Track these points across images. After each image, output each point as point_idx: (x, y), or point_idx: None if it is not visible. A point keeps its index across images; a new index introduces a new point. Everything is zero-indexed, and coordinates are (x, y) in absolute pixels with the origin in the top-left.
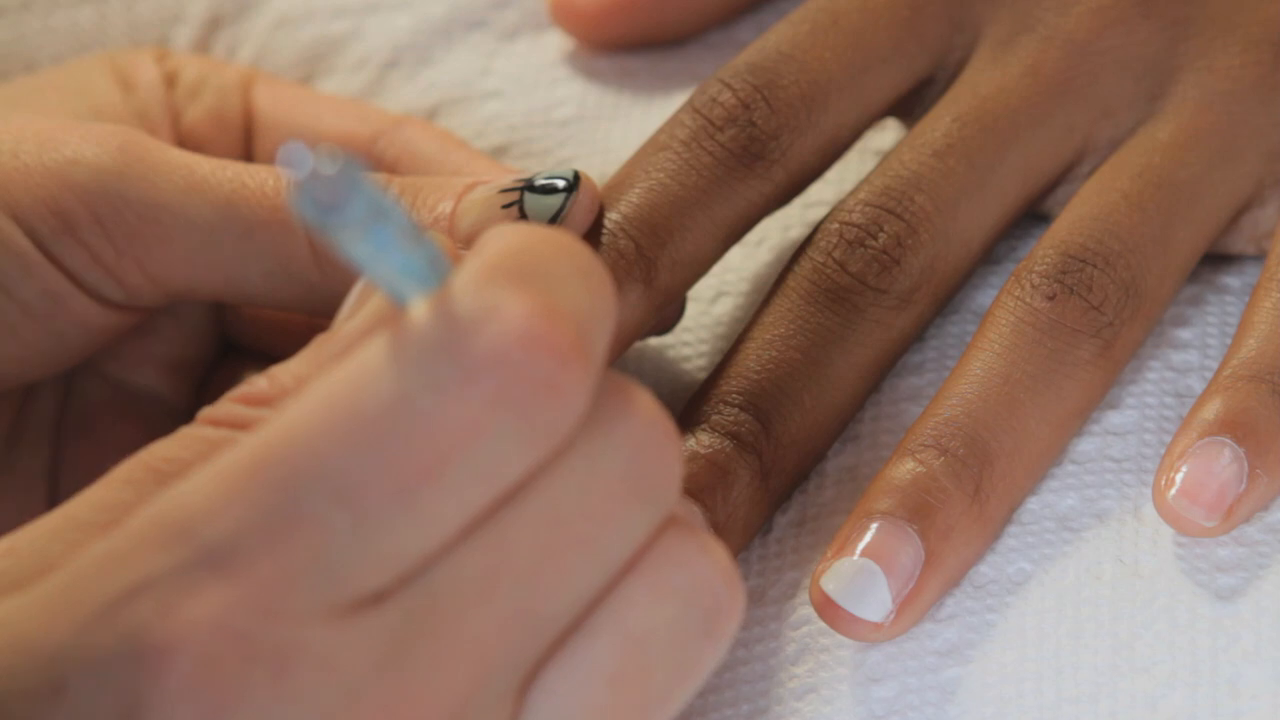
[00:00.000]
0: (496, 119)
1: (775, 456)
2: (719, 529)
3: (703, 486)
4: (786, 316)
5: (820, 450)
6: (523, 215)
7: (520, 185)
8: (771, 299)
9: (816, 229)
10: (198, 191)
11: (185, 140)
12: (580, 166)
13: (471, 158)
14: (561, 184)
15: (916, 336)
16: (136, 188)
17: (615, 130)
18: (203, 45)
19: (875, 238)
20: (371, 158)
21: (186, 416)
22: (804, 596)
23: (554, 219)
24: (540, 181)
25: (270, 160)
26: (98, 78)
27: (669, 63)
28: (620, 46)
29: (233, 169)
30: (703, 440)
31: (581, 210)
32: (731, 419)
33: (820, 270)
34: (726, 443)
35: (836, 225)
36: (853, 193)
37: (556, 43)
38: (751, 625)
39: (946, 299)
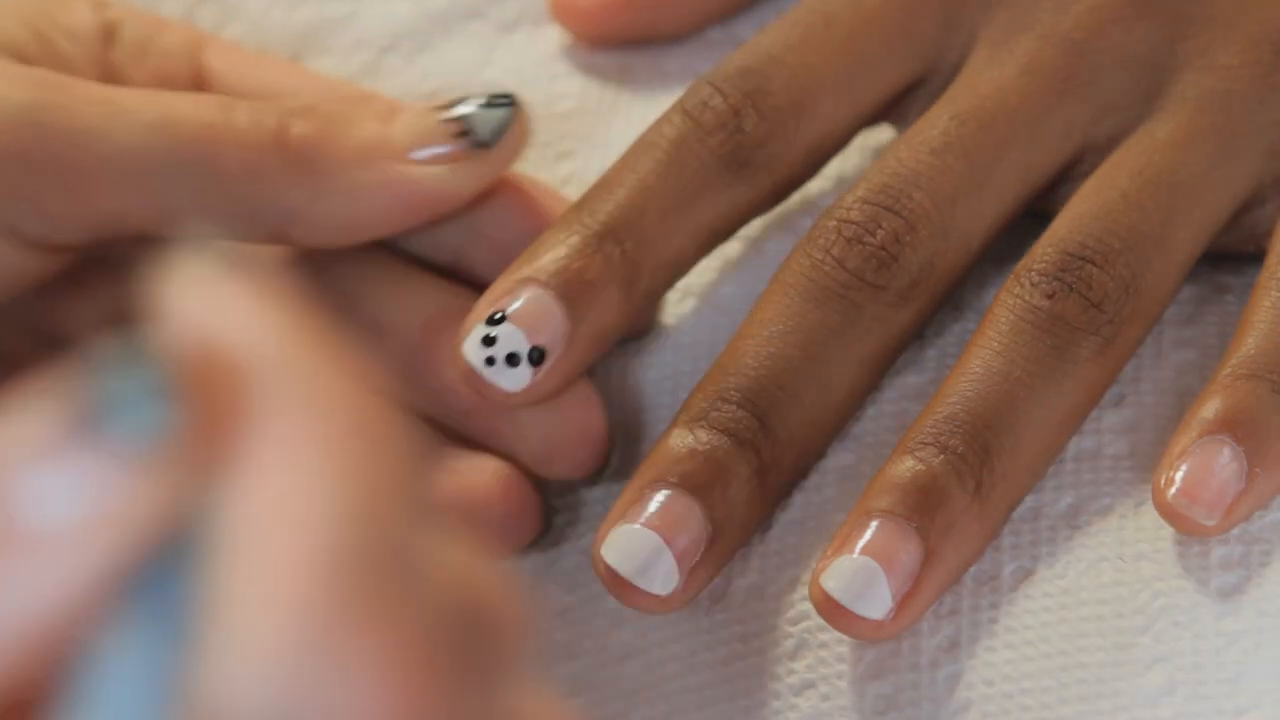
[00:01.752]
0: None
1: (773, 454)
2: (717, 527)
3: (700, 484)
4: (784, 313)
5: (819, 448)
6: (476, 136)
7: (457, 103)
8: (767, 295)
9: (813, 226)
10: (122, 116)
11: None
12: (580, 160)
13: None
14: (503, 99)
15: (916, 334)
16: (57, 116)
17: (615, 125)
18: (189, 17)
19: (873, 234)
20: None
21: None
22: (803, 593)
23: (499, 131)
24: (480, 98)
25: None
26: (15, 28)
27: (669, 60)
28: (620, 43)
29: (159, 95)
30: (700, 438)
31: (521, 128)
32: (730, 416)
33: (818, 267)
34: (724, 440)
35: (834, 222)
36: (850, 190)
37: (555, 37)
38: (750, 621)
39: (946, 296)
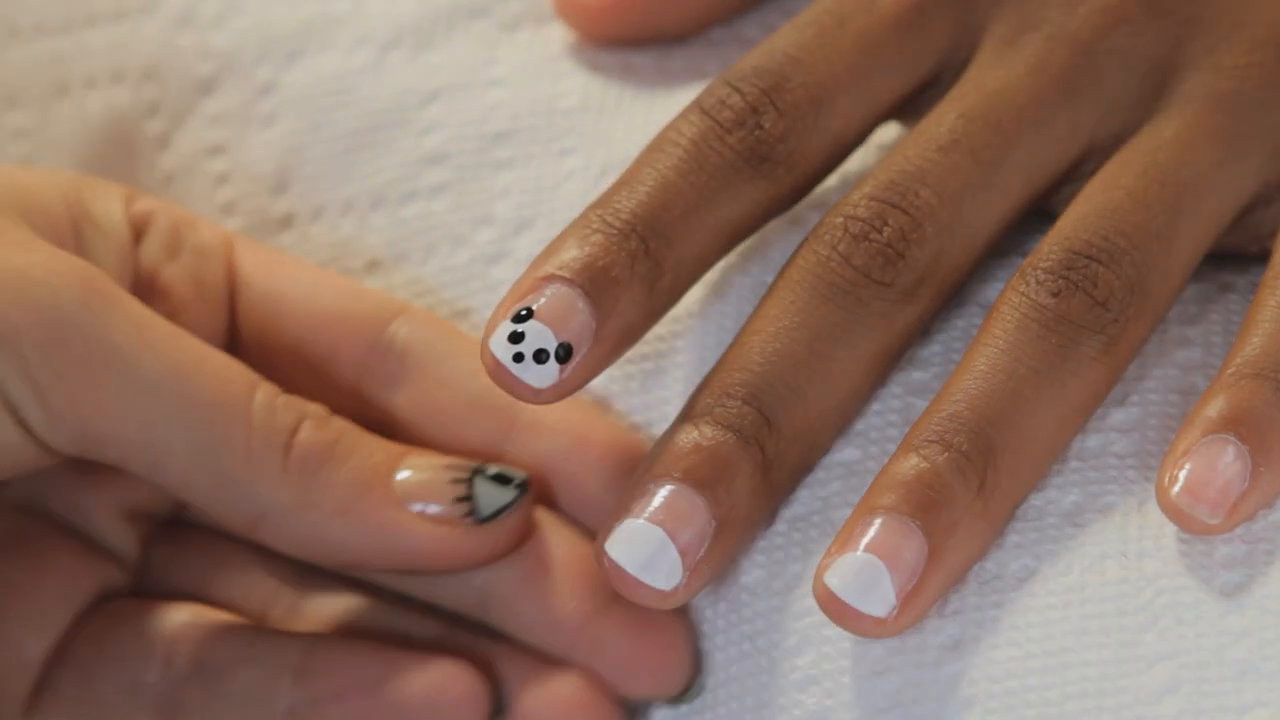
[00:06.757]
0: (500, 106)
1: (778, 450)
2: (721, 522)
3: (705, 479)
4: (790, 309)
5: (824, 444)
6: (474, 507)
7: (470, 470)
8: (774, 291)
9: (820, 222)
10: (150, 347)
11: (160, 299)
12: (583, 157)
13: (473, 348)
14: (516, 480)
15: (921, 330)
16: (94, 326)
17: (619, 122)
18: (190, 10)
19: (880, 231)
20: (381, 344)
21: (123, 563)
22: (807, 589)
23: (499, 512)
24: (494, 471)
25: (255, 332)
26: (56, 205)
27: (673, 59)
28: (624, 42)
29: (195, 343)
30: (705, 433)
31: (523, 515)
32: (735, 412)
33: (824, 263)
34: (729, 435)
35: (841, 219)
36: (857, 187)
37: (558, 35)
38: (755, 619)
39: (951, 294)
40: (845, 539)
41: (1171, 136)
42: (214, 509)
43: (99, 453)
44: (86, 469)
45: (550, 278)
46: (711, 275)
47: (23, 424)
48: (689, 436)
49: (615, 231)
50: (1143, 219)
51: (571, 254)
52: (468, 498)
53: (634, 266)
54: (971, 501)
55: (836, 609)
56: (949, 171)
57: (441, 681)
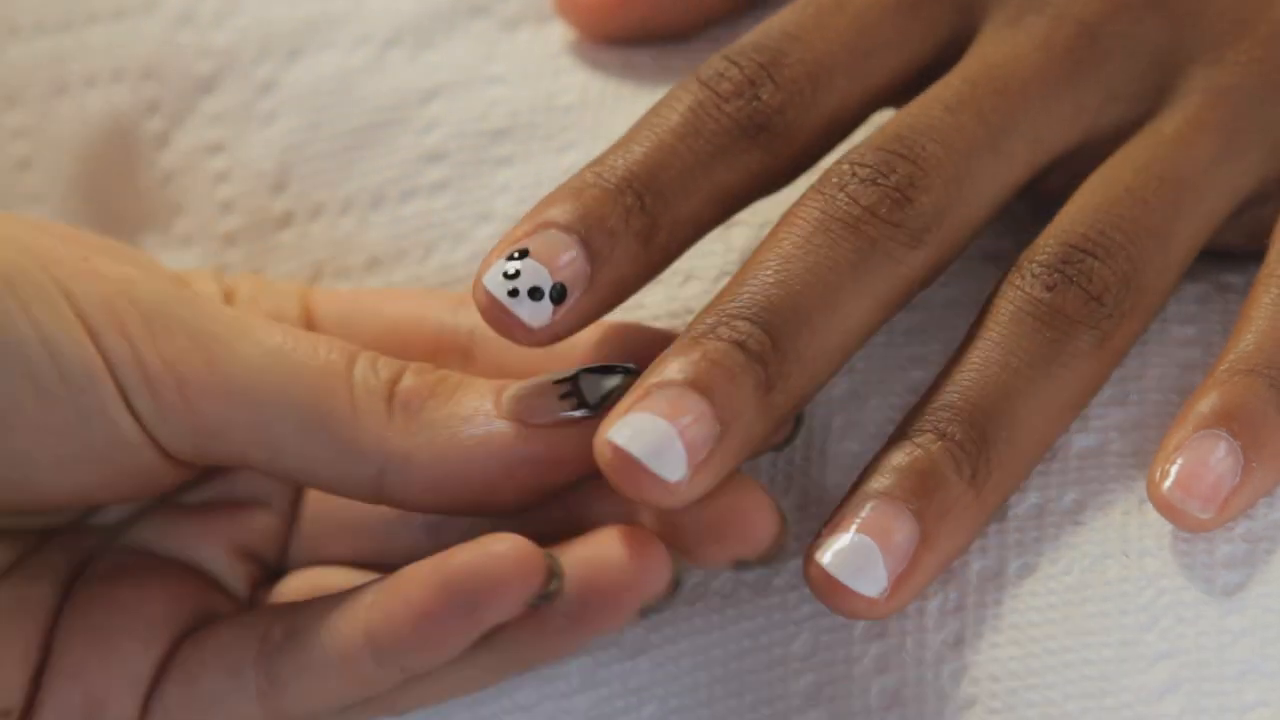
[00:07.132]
0: (499, 103)
1: (781, 371)
2: (724, 427)
3: (708, 386)
4: (797, 241)
5: (823, 377)
6: (581, 399)
7: (572, 372)
8: (778, 228)
9: (825, 171)
10: (246, 334)
11: None
12: (582, 152)
13: None
14: (620, 367)
15: (926, 283)
16: (189, 313)
17: (619, 118)
18: (190, 9)
19: (887, 177)
20: (448, 328)
21: (231, 597)
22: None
23: (607, 397)
24: (595, 366)
25: None
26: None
27: (673, 57)
28: (623, 40)
29: (287, 327)
30: (709, 348)
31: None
32: (742, 330)
33: (832, 201)
34: (734, 350)
35: (847, 165)
36: (864, 140)
37: (559, 34)
38: (756, 616)
39: (956, 252)
40: (838, 521)
41: (1172, 133)
42: (336, 482)
43: (214, 447)
44: (195, 512)
45: (545, 224)
46: (714, 271)
47: (137, 417)
48: (695, 350)
49: (610, 186)
50: (1140, 215)
51: (566, 205)
52: (573, 394)
53: (629, 220)
54: (963, 490)
55: (828, 587)
56: (956, 130)
57: (490, 546)
